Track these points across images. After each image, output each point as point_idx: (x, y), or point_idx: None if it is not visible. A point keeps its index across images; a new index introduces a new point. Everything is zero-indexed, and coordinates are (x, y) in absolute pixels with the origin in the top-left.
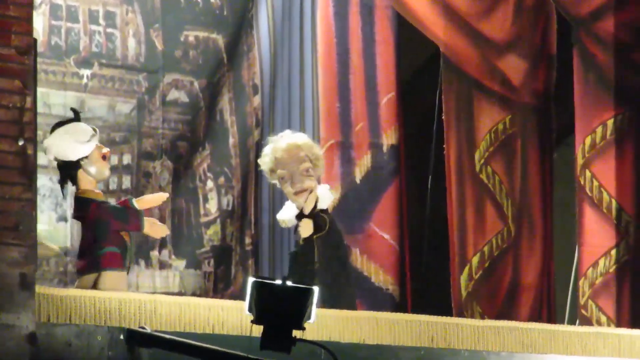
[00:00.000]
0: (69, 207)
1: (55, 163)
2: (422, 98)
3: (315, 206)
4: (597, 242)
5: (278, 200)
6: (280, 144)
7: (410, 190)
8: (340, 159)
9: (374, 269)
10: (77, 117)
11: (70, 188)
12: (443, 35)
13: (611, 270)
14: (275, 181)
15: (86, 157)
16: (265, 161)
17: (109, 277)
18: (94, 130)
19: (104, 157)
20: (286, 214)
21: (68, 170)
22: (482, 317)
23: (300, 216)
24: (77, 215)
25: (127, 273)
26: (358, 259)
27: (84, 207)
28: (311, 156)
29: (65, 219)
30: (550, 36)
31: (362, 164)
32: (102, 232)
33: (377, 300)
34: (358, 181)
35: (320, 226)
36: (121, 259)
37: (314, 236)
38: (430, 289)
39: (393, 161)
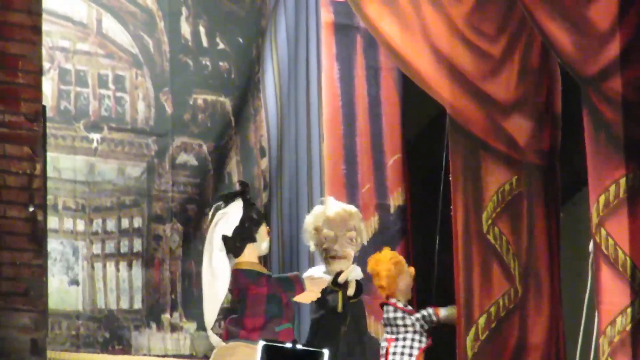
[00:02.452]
0: (80, 270)
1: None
2: (428, 158)
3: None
4: (614, 300)
5: (287, 263)
6: (333, 207)
7: (418, 251)
8: None
9: (381, 330)
10: (247, 190)
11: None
12: (448, 96)
13: (627, 328)
14: (313, 241)
15: (256, 230)
16: (311, 220)
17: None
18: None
19: (268, 233)
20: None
21: (237, 242)
22: None
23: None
24: (239, 288)
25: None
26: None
27: (255, 280)
28: (357, 227)
29: (76, 283)
30: (555, 96)
31: (369, 226)
32: (277, 307)
33: None
34: (365, 242)
35: (359, 292)
36: (293, 334)
37: (350, 300)
38: (436, 349)
39: (400, 222)
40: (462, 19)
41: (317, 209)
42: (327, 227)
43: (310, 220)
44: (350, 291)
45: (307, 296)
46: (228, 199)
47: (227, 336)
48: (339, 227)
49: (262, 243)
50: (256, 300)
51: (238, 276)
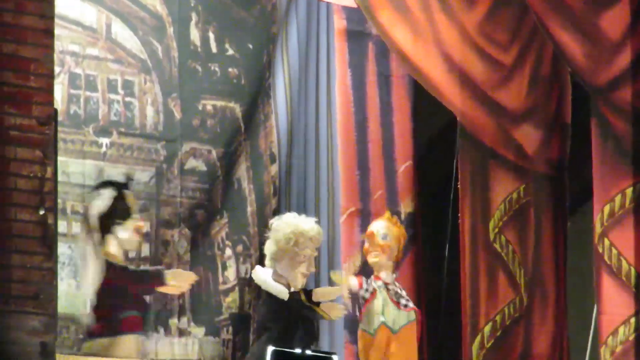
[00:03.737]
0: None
1: (74, 230)
2: (439, 166)
3: None
4: (616, 310)
5: None
6: (312, 226)
7: (427, 258)
8: (360, 227)
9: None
10: (127, 184)
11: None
12: (459, 103)
13: (630, 338)
14: (287, 254)
15: (120, 224)
16: (292, 235)
17: (127, 341)
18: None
19: (137, 229)
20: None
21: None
22: None
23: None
24: None
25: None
26: None
27: (107, 271)
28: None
29: None
30: (565, 105)
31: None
32: (121, 297)
33: None
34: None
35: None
36: (141, 323)
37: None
38: (443, 357)
39: (410, 229)
40: (474, 27)
41: (294, 226)
42: (307, 247)
43: (288, 236)
44: (335, 315)
45: (170, 290)
46: (106, 186)
47: (88, 333)
48: (314, 249)
49: (122, 237)
50: (104, 291)
51: None
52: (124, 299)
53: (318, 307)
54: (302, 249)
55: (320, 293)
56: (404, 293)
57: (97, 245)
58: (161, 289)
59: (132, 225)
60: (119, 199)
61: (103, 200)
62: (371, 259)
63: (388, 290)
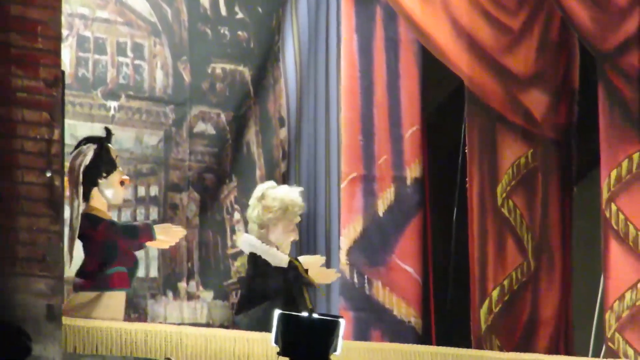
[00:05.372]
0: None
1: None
2: (447, 131)
3: None
4: (623, 276)
5: (303, 233)
6: (298, 195)
7: (435, 223)
8: (362, 192)
9: (395, 302)
10: (108, 137)
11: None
12: (467, 69)
13: (637, 303)
14: (282, 222)
15: (105, 178)
16: (290, 204)
17: (113, 297)
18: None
19: (122, 183)
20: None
21: (85, 184)
22: (501, 351)
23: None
24: (82, 233)
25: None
26: (380, 292)
27: (92, 225)
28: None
29: None
30: (573, 71)
31: (385, 197)
32: (110, 252)
33: (398, 332)
34: (381, 214)
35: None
36: (128, 279)
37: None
38: (451, 322)
39: (417, 194)
40: None
41: (293, 195)
42: (298, 216)
43: (289, 203)
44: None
45: (159, 244)
46: (88, 142)
47: (74, 287)
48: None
49: (108, 190)
50: (93, 246)
51: (82, 220)
52: (113, 254)
53: (309, 275)
54: (295, 217)
55: (306, 262)
56: None
57: (81, 199)
58: (150, 244)
59: (117, 178)
60: (102, 152)
61: (85, 155)
62: None
63: None
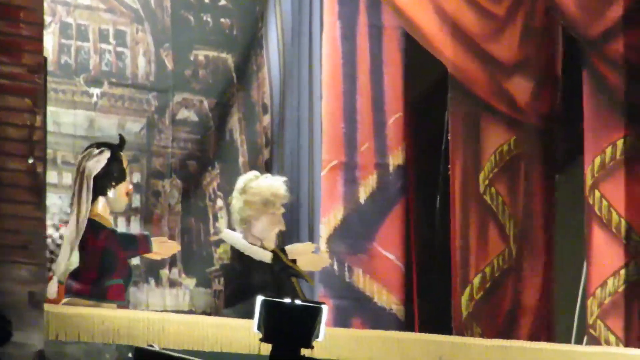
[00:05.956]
0: None
1: (64, 181)
2: (430, 118)
3: None
4: (606, 262)
5: (287, 221)
6: (282, 185)
7: (419, 211)
8: (343, 180)
9: (377, 289)
10: (121, 145)
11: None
12: (451, 55)
13: (620, 290)
14: (266, 215)
15: (114, 187)
16: (272, 197)
17: (109, 308)
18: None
19: (127, 193)
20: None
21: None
22: (482, 338)
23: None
24: (83, 237)
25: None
26: (361, 279)
27: (94, 232)
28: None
29: None
30: (556, 57)
31: (367, 184)
32: (110, 262)
33: (380, 320)
34: (362, 201)
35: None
36: (124, 292)
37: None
38: (432, 309)
39: (400, 181)
40: None
41: (278, 186)
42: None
43: (275, 194)
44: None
45: (153, 256)
46: (100, 146)
47: (66, 290)
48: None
49: (116, 200)
50: (92, 253)
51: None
52: (113, 265)
53: (296, 265)
54: (279, 208)
55: (295, 251)
56: None
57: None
58: (146, 255)
59: (125, 189)
60: (114, 161)
61: (98, 162)
62: None
63: None
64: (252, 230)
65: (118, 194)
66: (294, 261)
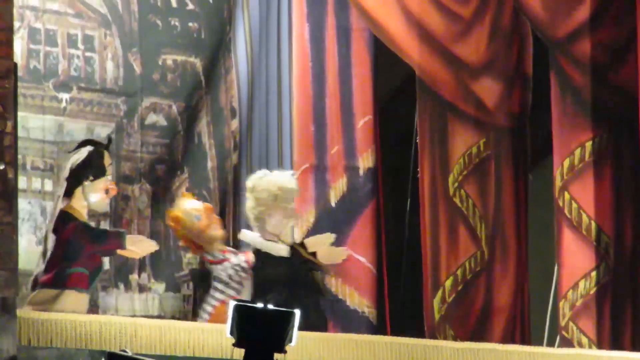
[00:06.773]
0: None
1: (34, 186)
2: (400, 121)
3: None
4: (576, 264)
5: None
6: (291, 179)
7: (389, 213)
8: (314, 182)
9: (348, 292)
10: (107, 145)
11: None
12: (418, 57)
13: (591, 292)
14: (278, 210)
15: (91, 181)
16: (279, 191)
17: (72, 296)
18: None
19: (106, 191)
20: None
21: (70, 182)
22: (455, 340)
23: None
24: (54, 228)
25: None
26: (332, 282)
27: (63, 222)
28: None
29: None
30: (525, 58)
31: (337, 187)
32: (74, 253)
33: (351, 323)
34: (333, 204)
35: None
36: (87, 281)
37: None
38: (404, 312)
39: (370, 184)
40: None
41: (285, 181)
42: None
43: (282, 189)
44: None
45: (129, 254)
46: (86, 144)
47: (36, 282)
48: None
49: (91, 195)
50: (59, 243)
51: (58, 216)
52: (77, 255)
53: (316, 259)
54: (289, 202)
55: (312, 243)
56: None
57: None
58: (120, 252)
59: (103, 185)
60: (95, 156)
61: (79, 154)
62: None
63: None
64: (266, 226)
65: (96, 189)
66: (314, 254)
